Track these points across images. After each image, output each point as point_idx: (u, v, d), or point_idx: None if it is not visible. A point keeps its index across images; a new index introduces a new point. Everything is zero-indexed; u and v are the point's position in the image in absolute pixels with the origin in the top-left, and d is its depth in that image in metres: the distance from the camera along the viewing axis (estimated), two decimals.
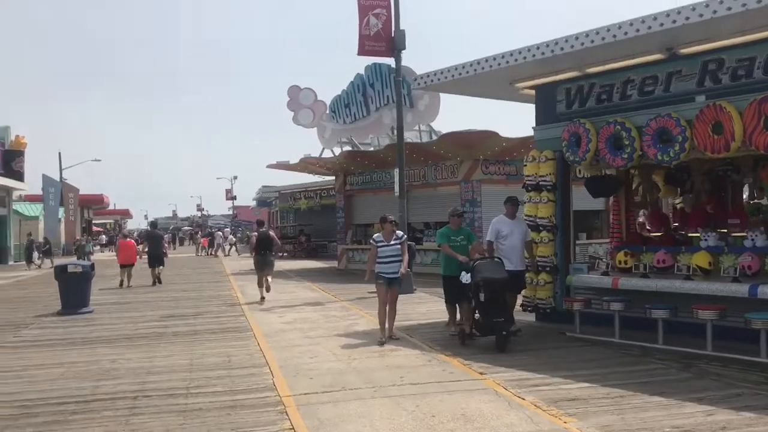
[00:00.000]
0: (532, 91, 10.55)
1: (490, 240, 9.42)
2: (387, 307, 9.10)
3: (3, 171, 36.36)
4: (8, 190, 36.49)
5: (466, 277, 8.45)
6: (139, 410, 5.95)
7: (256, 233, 15.41)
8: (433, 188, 21.06)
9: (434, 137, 22.29)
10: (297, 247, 35.97)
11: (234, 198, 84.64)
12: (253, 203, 65.97)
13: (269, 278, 14.62)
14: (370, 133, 22.74)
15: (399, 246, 9.08)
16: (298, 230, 38.03)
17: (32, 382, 7.17)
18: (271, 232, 15.82)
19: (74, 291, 13.18)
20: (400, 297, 9.67)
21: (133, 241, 20.56)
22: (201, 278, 21.94)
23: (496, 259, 8.80)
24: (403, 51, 15.44)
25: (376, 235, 9.39)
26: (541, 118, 10.39)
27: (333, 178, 31.45)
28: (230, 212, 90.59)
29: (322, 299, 14.63)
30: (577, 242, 10.87)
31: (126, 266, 18.85)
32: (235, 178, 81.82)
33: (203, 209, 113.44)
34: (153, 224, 23.39)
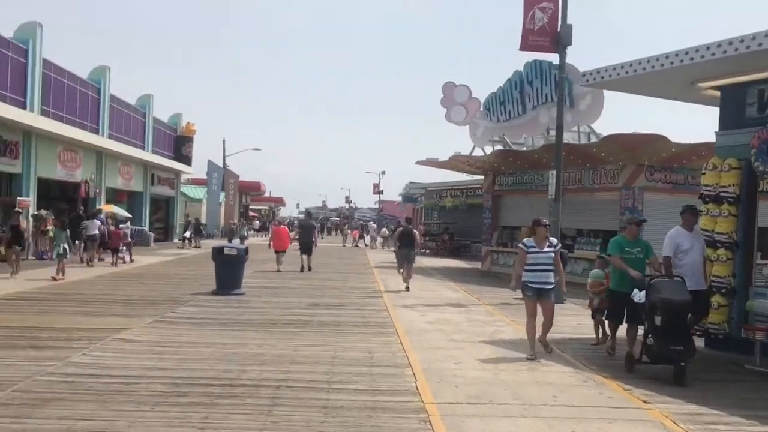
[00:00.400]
0: (717, 92, 9.48)
1: (668, 255, 8.24)
2: (537, 321, 8.29)
3: (173, 155, 39.28)
4: (177, 173, 39.32)
5: (639, 296, 7.51)
6: (281, 401, 5.88)
7: (401, 228, 17.35)
8: (590, 193, 19.95)
9: (594, 139, 21.11)
10: (440, 245, 35.77)
11: (381, 192, 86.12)
12: (399, 198, 66.66)
13: (405, 271, 15.99)
14: (524, 133, 21.94)
15: (552, 254, 8.25)
16: (442, 228, 37.84)
17: (184, 360, 7.38)
18: (414, 230, 17.62)
19: (228, 273, 13.72)
20: None
21: (286, 228, 21.77)
22: (346, 269, 22.28)
23: (676, 278, 7.74)
24: (568, 47, 14.62)
25: (526, 239, 8.47)
26: (726, 123, 9.31)
27: (481, 177, 30.93)
28: (376, 206, 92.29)
29: (464, 301, 14.24)
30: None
31: (279, 252, 19.76)
32: (383, 173, 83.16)
33: (351, 201, 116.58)
34: (308, 213, 24.60)
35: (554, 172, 14.73)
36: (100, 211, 23.53)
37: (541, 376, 7.18)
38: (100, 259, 20.64)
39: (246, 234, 36.02)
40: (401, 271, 16.24)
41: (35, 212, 21.35)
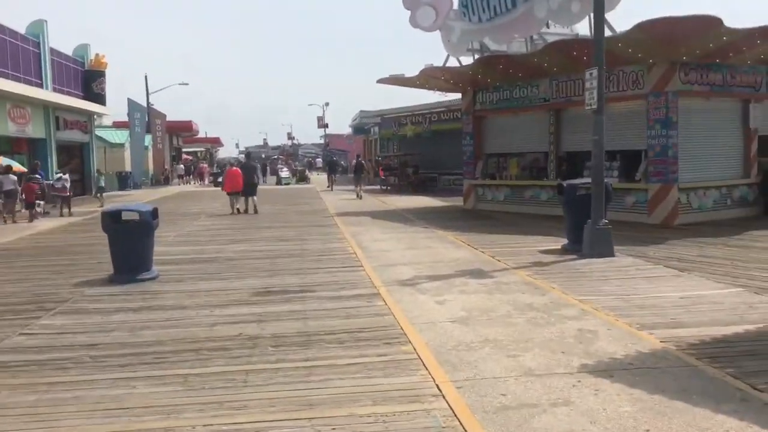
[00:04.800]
0: None
1: None
2: None
3: (84, 94, 33.30)
4: (89, 115, 33.34)
5: None
6: None
7: (355, 161, 29.44)
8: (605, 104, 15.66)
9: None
10: (402, 180, 31.34)
11: (326, 126, 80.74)
12: (349, 131, 61.56)
13: (358, 188, 26.37)
14: (515, 33, 17.24)
15: None
16: (402, 160, 33.11)
17: None
18: (363, 162, 29.21)
19: (130, 249, 9.09)
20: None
21: (238, 169, 20.62)
22: (300, 219, 17.73)
23: None
24: None
25: None
26: None
27: (451, 98, 26.58)
28: (321, 141, 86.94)
29: (480, 263, 9.94)
30: None
31: (232, 194, 19.75)
32: (327, 104, 77.64)
33: (294, 138, 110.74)
34: (247, 155, 24.41)
35: (594, 71, 10.36)
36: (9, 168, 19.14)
37: None
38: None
39: (102, 186, 26.74)
40: (356, 188, 26.53)
41: None
